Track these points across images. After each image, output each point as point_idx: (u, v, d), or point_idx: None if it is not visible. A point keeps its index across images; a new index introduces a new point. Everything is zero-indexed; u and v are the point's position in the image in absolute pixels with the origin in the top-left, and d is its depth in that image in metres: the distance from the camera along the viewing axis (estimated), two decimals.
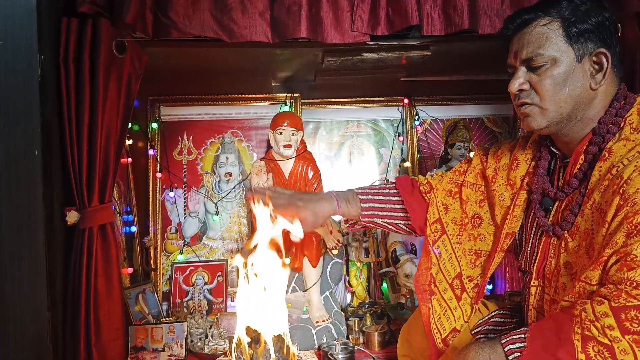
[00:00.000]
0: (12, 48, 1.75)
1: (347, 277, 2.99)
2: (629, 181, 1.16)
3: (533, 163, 1.52)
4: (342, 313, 2.74)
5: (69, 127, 1.99)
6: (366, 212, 1.67)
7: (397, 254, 2.76)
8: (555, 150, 1.47)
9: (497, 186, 1.57)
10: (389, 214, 1.70)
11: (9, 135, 1.73)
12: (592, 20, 1.31)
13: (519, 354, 1.18)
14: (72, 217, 2.00)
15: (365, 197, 1.69)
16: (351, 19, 2.19)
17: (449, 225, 1.65)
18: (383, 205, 1.69)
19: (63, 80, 1.99)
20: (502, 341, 1.22)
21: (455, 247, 1.62)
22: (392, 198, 1.71)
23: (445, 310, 1.58)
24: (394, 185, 1.74)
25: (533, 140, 1.56)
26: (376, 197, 1.70)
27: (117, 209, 2.67)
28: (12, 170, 1.73)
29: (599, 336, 1.09)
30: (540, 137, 1.53)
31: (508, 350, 1.20)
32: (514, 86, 1.37)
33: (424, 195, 1.70)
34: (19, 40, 1.75)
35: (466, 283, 1.61)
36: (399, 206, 1.70)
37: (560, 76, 1.31)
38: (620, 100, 1.34)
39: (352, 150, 3.30)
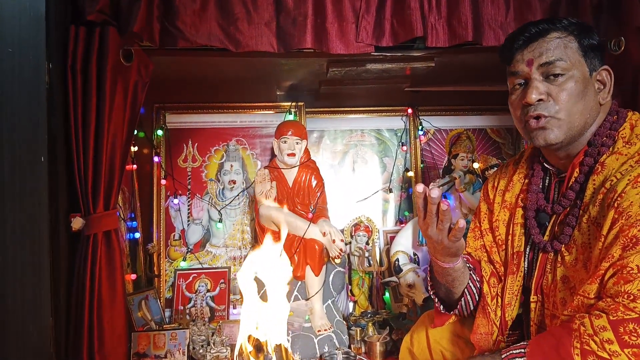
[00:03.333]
0: (21, 55, 1.77)
1: (350, 286, 2.99)
2: (623, 194, 1.17)
3: (526, 180, 1.52)
4: (344, 322, 2.74)
5: (75, 134, 2.00)
6: None
7: (400, 263, 2.76)
8: (548, 167, 1.46)
9: (497, 214, 1.57)
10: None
11: (16, 141, 1.74)
12: (595, 38, 1.34)
13: None
14: (76, 223, 2.00)
15: None
16: (356, 30, 2.20)
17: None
18: None
19: (70, 87, 2.00)
20: (502, 355, 1.22)
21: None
22: None
23: None
24: None
25: (526, 157, 1.55)
26: None
27: (122, 215, 2.69)
28: (18, 176, 1.74)
29: (598, 350, 1.09)
30: (533, 154, 1.53)
31: None
32: (533, 96, 1.31)
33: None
34: (27, 48, 1.77)
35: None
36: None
37: (579, 87, 1.31)
38: (613, 114, 1.36)
39: (356, 159, 3.31)
